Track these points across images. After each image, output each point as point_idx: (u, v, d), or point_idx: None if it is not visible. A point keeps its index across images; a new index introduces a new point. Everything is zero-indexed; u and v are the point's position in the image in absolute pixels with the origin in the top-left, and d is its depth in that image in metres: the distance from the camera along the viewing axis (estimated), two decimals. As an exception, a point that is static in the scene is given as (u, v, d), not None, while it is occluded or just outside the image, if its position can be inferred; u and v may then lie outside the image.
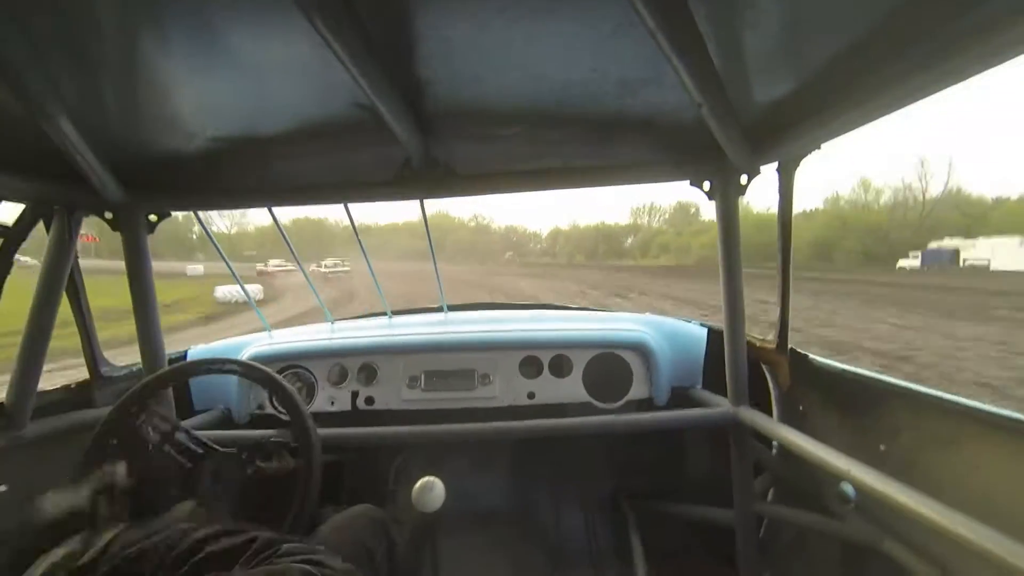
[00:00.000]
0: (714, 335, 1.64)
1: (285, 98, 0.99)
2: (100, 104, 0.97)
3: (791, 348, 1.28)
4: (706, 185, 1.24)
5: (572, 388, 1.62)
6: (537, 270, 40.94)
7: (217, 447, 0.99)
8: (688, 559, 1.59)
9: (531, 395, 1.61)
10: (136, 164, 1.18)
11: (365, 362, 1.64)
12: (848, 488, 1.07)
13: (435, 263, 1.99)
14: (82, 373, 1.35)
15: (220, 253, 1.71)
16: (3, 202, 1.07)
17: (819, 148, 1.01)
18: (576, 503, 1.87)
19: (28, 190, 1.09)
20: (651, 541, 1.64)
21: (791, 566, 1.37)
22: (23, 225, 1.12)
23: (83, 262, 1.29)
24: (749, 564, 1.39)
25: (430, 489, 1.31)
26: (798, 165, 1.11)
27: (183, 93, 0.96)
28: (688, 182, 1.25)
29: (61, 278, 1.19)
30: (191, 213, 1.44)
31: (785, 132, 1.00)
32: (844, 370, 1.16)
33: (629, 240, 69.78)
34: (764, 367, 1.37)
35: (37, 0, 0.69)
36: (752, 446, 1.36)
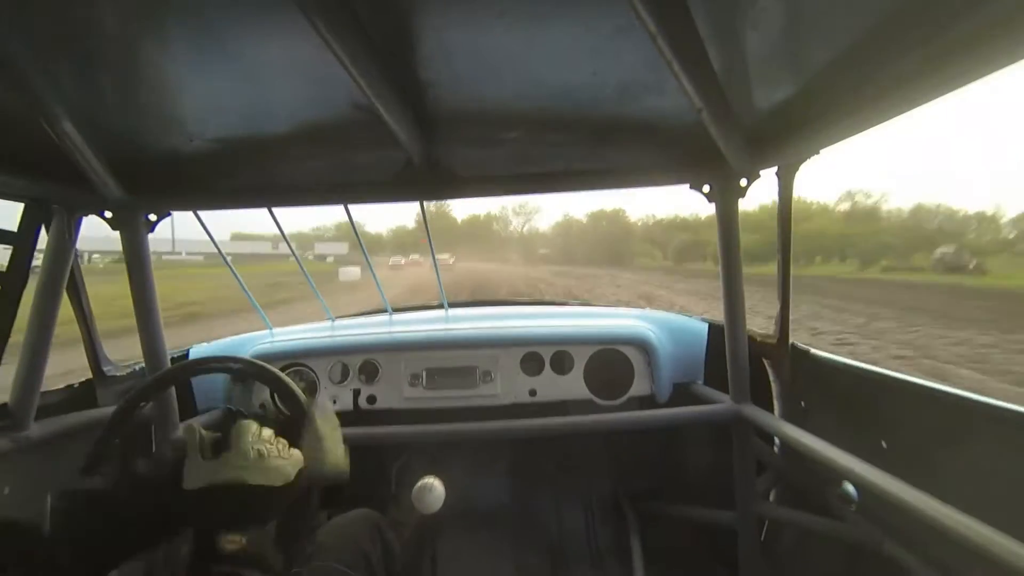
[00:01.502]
0: (715, 330, 1.65)
1: (285, 99, 0.99)
2: (101, 104, 0.97)
3: (792, 343, 1.29)
4: (705, 188, 1.25)
5: (573, 385, 1.63)
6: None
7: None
8: (688, 560, 1.60)
9: (532, 392, 1.62)
10: (136, 164, 1.18)
11: (367, 360, 1.65)
12: (851, 489, 1.08)
13: (435, 261, 2.00)
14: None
15: (221, 254, 1.71)
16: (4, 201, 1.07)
17: (818, 153, 1.01)
18: (577, 502, 1.89)
19: (27, 189, 1.09)
20: (651, 542, 1.65)
21: (793, 568, 1.37)
22: (27, 228, 1.12)
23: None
24: (750, 566, 1.39)
25: (430, 490, 1.32)
26: (797, 169, 1.11)
27: (183, 93, 0.96)
28: (688, 186, 1.26)
29: (62, 278, 1.19)
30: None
31: (785, 137, 1.00)
32: (846, 364, 1.16)
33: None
34: (765, 362, 1.38)
35: (39, 0, 0.69)
36: (754, 443, 1.37)
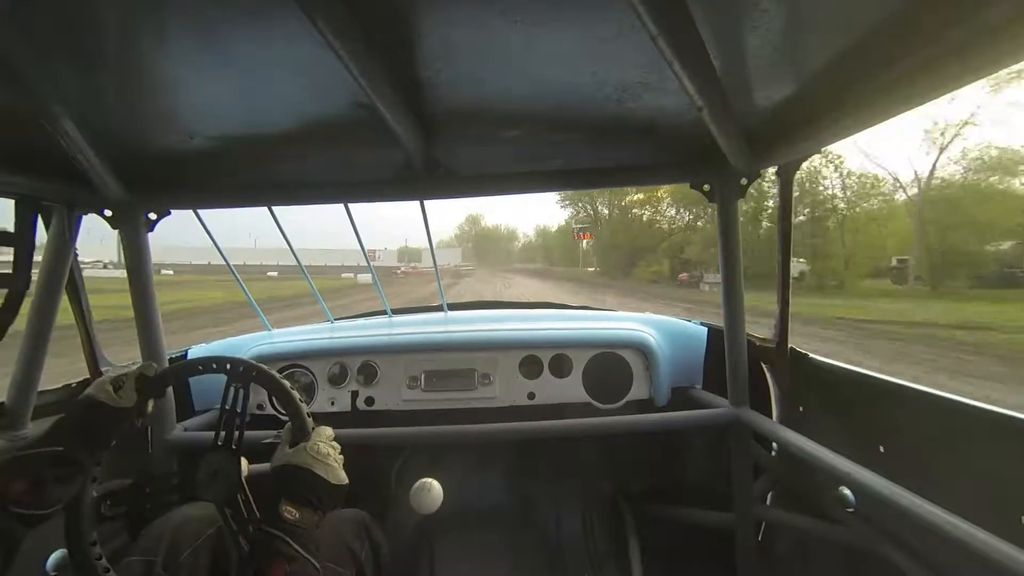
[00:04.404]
0: (714, 334, 1.65)
1: (286, 97, 0.99)
2: (101, 102, 0.97)
3: (791, 348, 1.29)
4: (706, 187, 1.25)
5: (572, 388, 1.62)
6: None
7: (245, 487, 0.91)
8: (686, 561, 1.59)
9: (531, 395, 1.62)
10: (136, 162, 1.18)
11: (365, 361, 1.64)
12: (847, 492, 1.08)
13: (435, 262, 2.00)
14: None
15: (221, 253, 1.71)
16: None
17: (819, 152, 1.01)
18: (575, 504, 1.88)
19: (28, 187, 1.09)
20: (649, 543, 1.64)
21: (790, 570, 1.37)
22: (23, 226, 1.11)
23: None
24: (748, 568, 1.39)
25: (427, 491, 1.32)
26: (798, 168, 1.11)
27: (184, 92, 0.96)
28: (689, 185, 1.26)
29: (61, 277, 1.19)
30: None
31: (785, 136, 1.01)
32: (844, 369, 1.16)
33: None
34: (764, 366, 1.38)
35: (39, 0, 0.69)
36: (752, 448, 1.36)
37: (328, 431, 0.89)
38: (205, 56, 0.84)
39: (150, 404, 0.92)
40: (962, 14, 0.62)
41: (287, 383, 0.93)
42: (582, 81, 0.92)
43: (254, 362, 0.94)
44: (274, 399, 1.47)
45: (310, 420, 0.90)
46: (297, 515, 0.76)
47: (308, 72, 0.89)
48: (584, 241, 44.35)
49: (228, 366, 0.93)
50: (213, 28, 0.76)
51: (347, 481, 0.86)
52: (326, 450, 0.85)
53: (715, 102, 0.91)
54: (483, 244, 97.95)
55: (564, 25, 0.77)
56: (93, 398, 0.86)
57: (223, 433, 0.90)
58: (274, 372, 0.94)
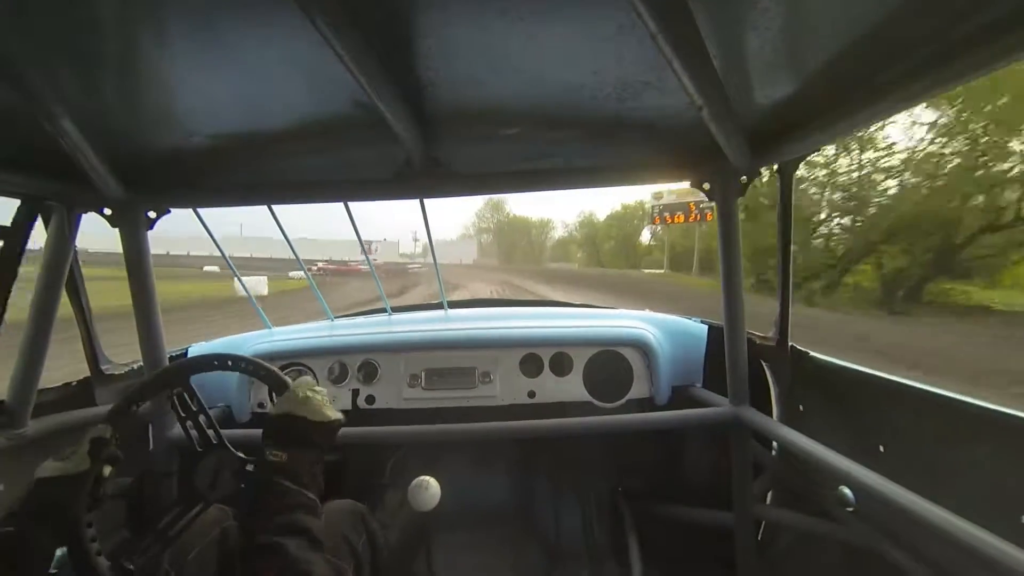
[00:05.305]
0: (714, 332, 1.65)
1: (285, 96, 0.99)
2: (100, 100, 0.97)
3: (791, 345, 1.29)
4: (706, 186, 1.25)
5: (573, 387, 1.63)
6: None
7: (229, 446, 0.97)
8: (686, 561, 1.59)
9: (531, 394, 1.62)
10: (136, 161, 1.17)
11: (366, 359, 1.65)
12: (847, 491, 1.08)
13: (435, 261, 2.00)
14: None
15: (221, 252, 1.71)
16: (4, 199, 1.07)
17: (819, 151, 1.01)
18: (575, 502, 1.88)
19: (27, 186, 1.09)
20: (649, 542, 1.65)
21: (790, 569, 1.37)
22: (20, 223, 1.11)
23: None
24: (747, 567, 1.39)
25: (425, 488, 1.32)
26: (798, 166, 1.11)
27: (183, 90, 0.96)
28: (688, 183, 1.26)
29: (61, 275, 1.19)
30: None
31: (785, 134, 1.00)
32: (845, 368, 1.16)
33: None
34: (764, 364, 1.38)
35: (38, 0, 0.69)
36: (752, 446, 1.36)
37: (308, 379, 0.90)
38: (205, 55, 0.84)
39: (107, 469, 0.86)
40: (962, 14, 0.62)
41: (246, 356, 0.96)
42: (582, 80, 0.92)
43: (218, 353, 0.97)
44: (268, 388, 1.48)
45: (282, 375, 0.91)
46: (284, 456, 0.77)
47: (307, 71, 0.88)
48: (662, 227, 25.90)
49: (216, 362, 0.96)
50: (213, 27, 0.76)
51: (334, 417, 0.86)
52: (304, 394, 0.85)
53: (715, 101, 0.91)
54: (508, 236, 79.08)
55: (564, 24, 0.76)
56: (40, 478, 0.81)
57: (211, 432, 0.93)
58: (239, 355, 0.97)
